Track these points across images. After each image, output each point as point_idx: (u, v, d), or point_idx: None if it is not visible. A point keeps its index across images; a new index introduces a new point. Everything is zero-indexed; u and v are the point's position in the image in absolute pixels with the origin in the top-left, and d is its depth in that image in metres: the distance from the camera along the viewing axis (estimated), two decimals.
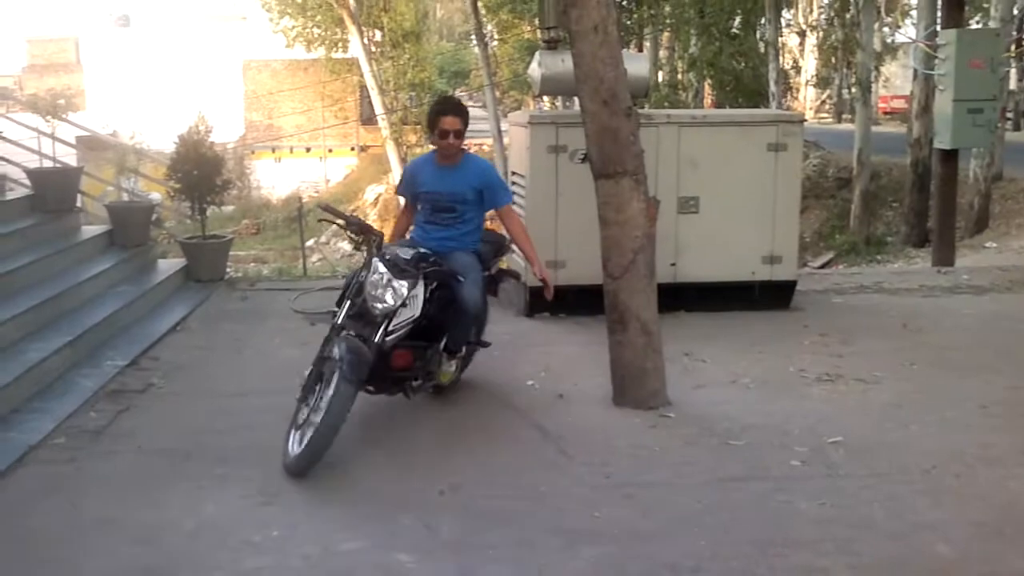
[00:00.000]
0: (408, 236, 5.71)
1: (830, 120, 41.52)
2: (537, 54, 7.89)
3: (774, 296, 7.72)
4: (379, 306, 4.82)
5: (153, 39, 34.53)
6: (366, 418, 5.23)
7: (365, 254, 5.02)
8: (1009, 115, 29.03)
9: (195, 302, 8.11)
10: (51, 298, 6.75)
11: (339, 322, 4.99)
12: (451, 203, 5.44)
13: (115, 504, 4.35)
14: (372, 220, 31.19)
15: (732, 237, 7.57)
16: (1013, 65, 18.41)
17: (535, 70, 7.71)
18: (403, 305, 4.86)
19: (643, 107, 9.65)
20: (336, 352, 4.68)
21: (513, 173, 8.01)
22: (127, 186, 10.53)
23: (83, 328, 6.57)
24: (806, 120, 8.33)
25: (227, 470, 4.68)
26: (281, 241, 27.88)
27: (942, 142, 9.82)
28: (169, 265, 9.00)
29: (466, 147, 5.69)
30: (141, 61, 33.18)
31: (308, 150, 39.00)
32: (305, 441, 4.56)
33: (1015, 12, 16.80)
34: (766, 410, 5.53)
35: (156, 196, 11.45)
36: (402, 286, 4.84)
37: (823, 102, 41.03)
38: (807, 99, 45.87)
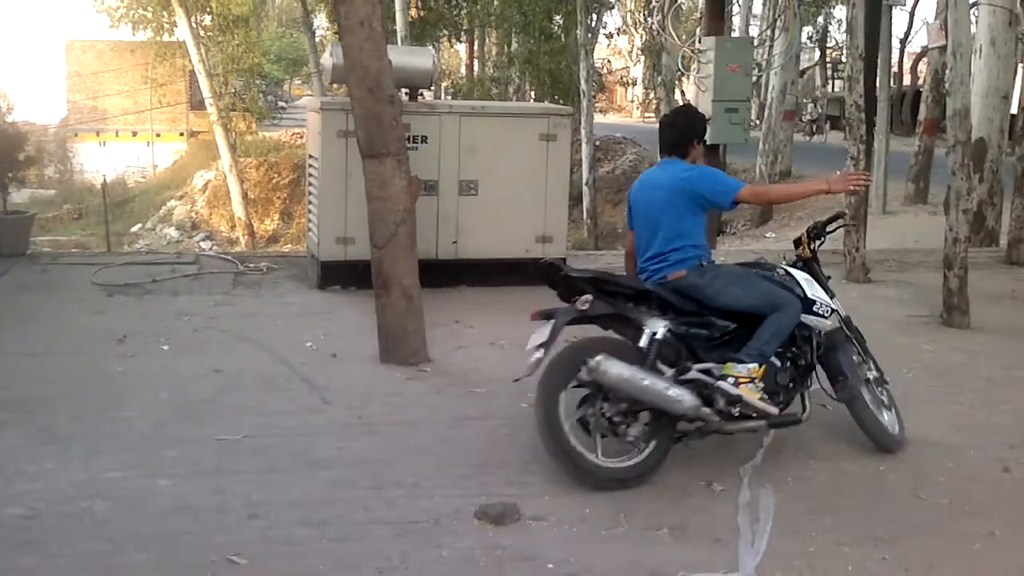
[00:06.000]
0: None
1: (654, 119, 43.50)
2: (330, 45, 8.47)
3: None
4: None
5: None
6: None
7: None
8: (807, 117, 31.20)
9: None
10: None
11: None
12: None
13: None
14: (200, 207, 31.01)
15: (508, 218, 8.36)
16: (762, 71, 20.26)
17: (327, 59, 8.27)
18: None
19: (440, 98, 10.27)
20: None
21: (309, 156, 8.57)
22: None
23: None
24: (573, 113, 9.22)
25: (8, 416, 5.10)
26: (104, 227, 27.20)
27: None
28: None
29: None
30: None
31: (135, 134, 38.16)
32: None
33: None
34: (513, 365, 6.29)
35: None
36: None
37: (646, 101, 42.84)
38: (635, 98, 47.87)
